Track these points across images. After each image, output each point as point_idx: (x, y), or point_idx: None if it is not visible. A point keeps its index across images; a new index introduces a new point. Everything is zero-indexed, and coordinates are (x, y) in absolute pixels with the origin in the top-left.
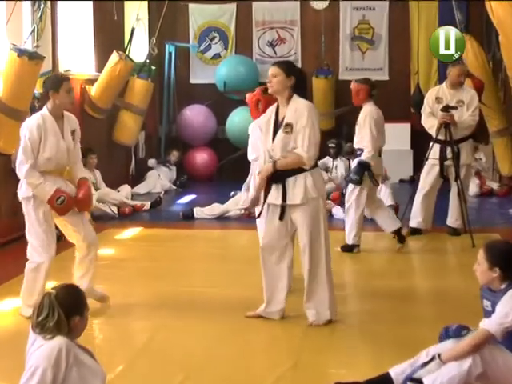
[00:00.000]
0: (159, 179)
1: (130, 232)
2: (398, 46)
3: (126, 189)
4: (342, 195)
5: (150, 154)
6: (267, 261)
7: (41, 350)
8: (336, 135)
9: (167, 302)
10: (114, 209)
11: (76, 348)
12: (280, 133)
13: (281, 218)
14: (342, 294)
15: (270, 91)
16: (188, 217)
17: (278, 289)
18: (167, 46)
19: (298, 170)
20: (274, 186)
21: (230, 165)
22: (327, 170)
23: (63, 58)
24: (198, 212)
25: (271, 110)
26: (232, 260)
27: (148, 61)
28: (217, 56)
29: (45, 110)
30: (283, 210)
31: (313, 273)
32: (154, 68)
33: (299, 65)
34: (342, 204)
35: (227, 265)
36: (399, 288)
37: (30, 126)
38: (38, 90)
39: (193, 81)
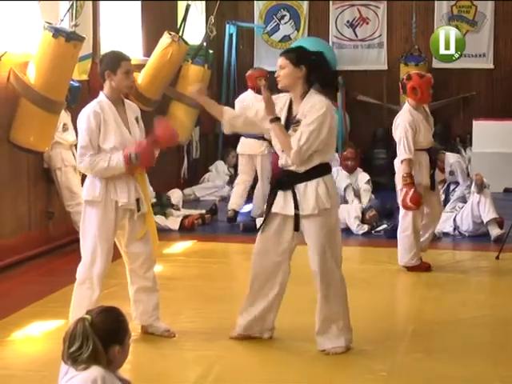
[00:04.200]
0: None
1: (181, 246)
2: (505, 28)
3: (176, 194)
4: None
5: (206, 154)
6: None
7: (72, 382)
8: None
9: (224, 329)
10: (172, 221)
11: (116, 381)
12: (290, 132)
13: (296, 228)
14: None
15: (279, 86)
16: (249, 229)
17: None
18: (227, 26)
19: (308, 176)
20: (280, 194)
21: None
22: None
23: (105, 39)
24: None
25: (284, 101)
26: (301, 281)
27: (205, 44)
28: (286, 38)
29: (101, 96)
30: (296, 220)
31: (327, 296)
32: (211, 52)
33: (384, 50)
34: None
35: (295, 286)
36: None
37: (85, 115)
38: (77, 76)
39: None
